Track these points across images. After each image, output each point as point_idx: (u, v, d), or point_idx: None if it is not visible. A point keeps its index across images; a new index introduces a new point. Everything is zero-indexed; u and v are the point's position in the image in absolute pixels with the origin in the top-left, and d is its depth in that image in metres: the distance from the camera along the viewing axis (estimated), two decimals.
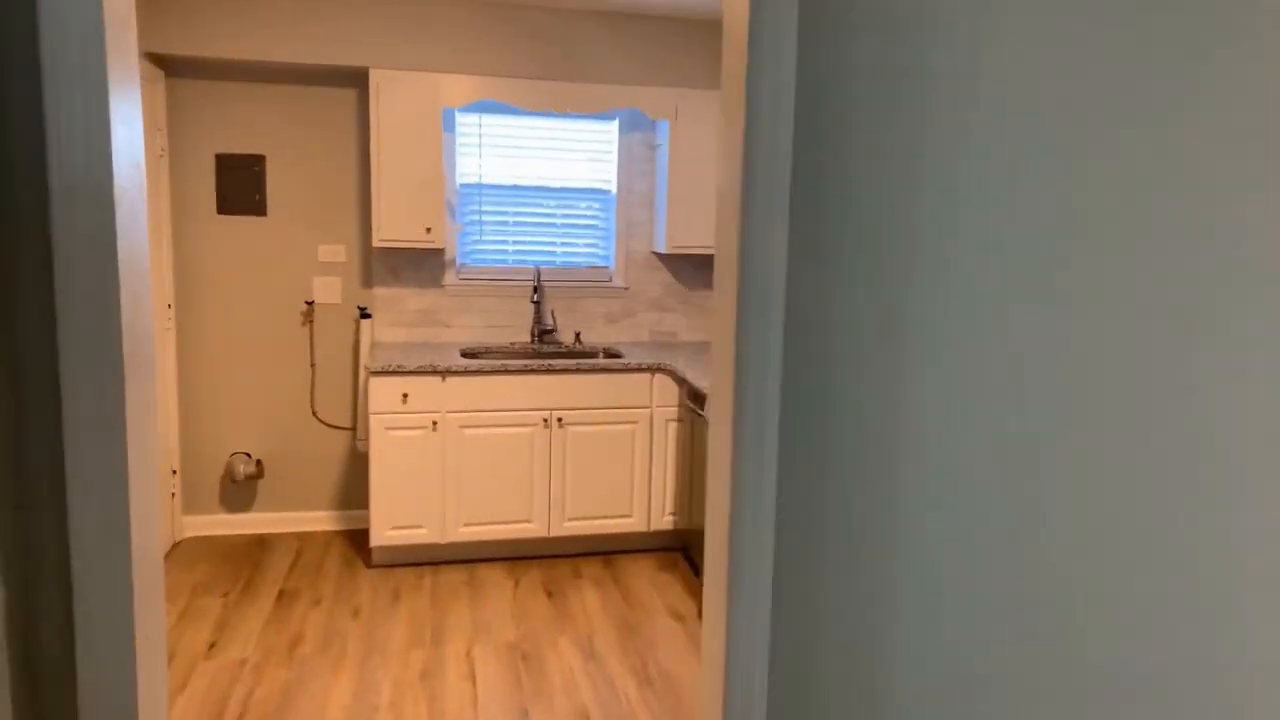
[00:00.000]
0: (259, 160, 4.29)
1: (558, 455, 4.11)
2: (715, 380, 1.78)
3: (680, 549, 4.35)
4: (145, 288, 1.49)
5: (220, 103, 4.22)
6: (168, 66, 4.15)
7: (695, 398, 3.93)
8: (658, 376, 4.16)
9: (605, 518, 4.20)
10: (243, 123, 4.25)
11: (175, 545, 4.28)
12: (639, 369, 4.13)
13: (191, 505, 4.40)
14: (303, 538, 4.43)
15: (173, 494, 4.24)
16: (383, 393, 3.91)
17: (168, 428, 4.18)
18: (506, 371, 4.01)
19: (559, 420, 4.09)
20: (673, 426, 4.20)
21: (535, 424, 4.07)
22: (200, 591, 3.76)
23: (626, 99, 4.33)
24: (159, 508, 1.57)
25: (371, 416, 3.91)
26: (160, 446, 3.83)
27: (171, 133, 4.19)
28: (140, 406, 1.46)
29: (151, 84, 3.98)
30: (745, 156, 1.61)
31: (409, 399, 3.94)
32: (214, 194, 4.27)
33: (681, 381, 4.13)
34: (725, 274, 1.72)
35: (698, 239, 4.46)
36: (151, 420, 1.53)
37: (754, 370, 1.64)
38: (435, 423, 3.97)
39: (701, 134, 4.39)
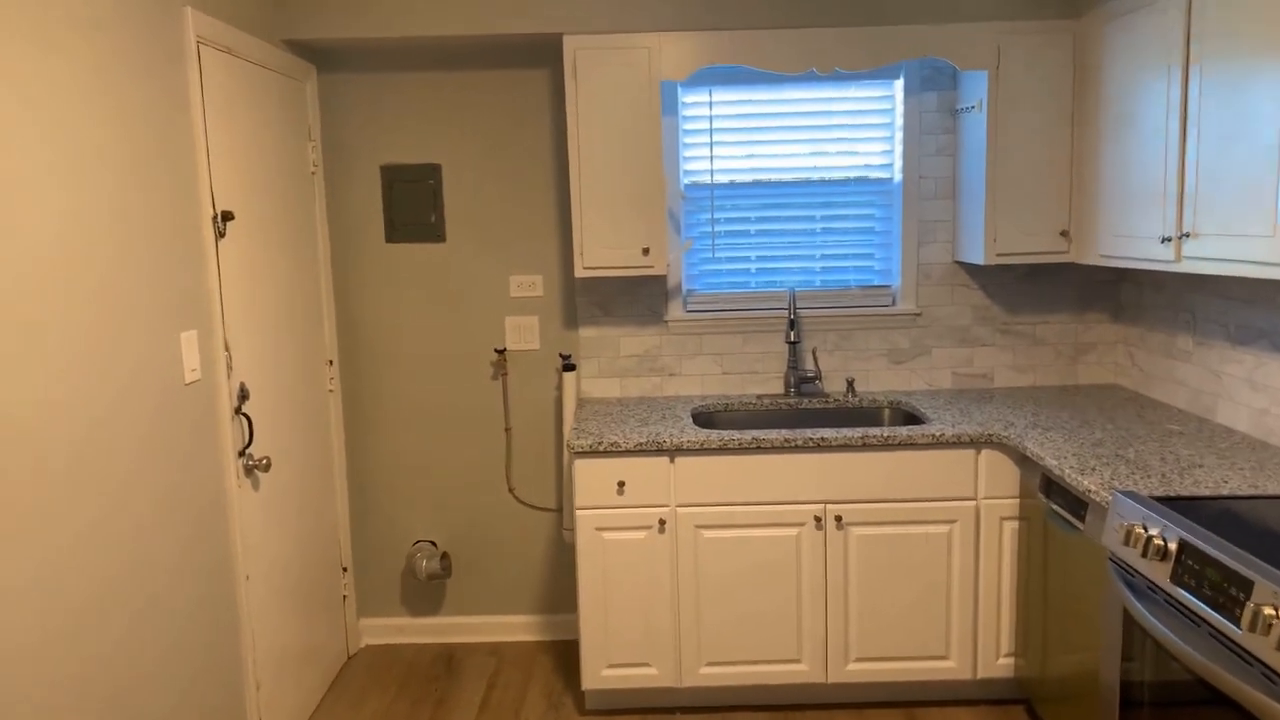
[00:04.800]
0: (434, 171, 3.34)
1: (837, 568, 2.85)
2: None
3: (1022, 702, 2.96)
4: None
5: (383, 100, 3.31)
6: (320, 58, 3.28)
7: (1050, 488, 2.54)
8: (986, 453, 2.79)
9: (909, 659, 2.89)
10: (412, 124, 3.32)
11: (351, 658, 3.43)
12: (957, 443, 2.78)
13: (369, 606, 3.54)
14: (499, 651, 3.45)
15: (344, 596, 3.39)
16: (592, 479, 2.82)
17: (337, 514, 3.33)
18: (759, 449, 2.80)
19: (837, 519, 2.83)
20: (1010, 528, 2.81)
21: (804, 523, 2.83)
22: None
23: (921, 44, 2.98)
24: None
25: (578, 513, 2.84)
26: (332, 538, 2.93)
27: (327, 142, 3.32)
28: None
29: (299, 82, 3.11)
30: None
31: (626, 488, 2.83)
32: (381, 217, 3.37)
33: (1025, 460, 2.74)
34: None
35: (1036, 241, 3.03)
36: None
37: None
38: (663, 520, 2.84)
39: (1040, 87, 2.95)
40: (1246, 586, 1.63)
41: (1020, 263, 3.09)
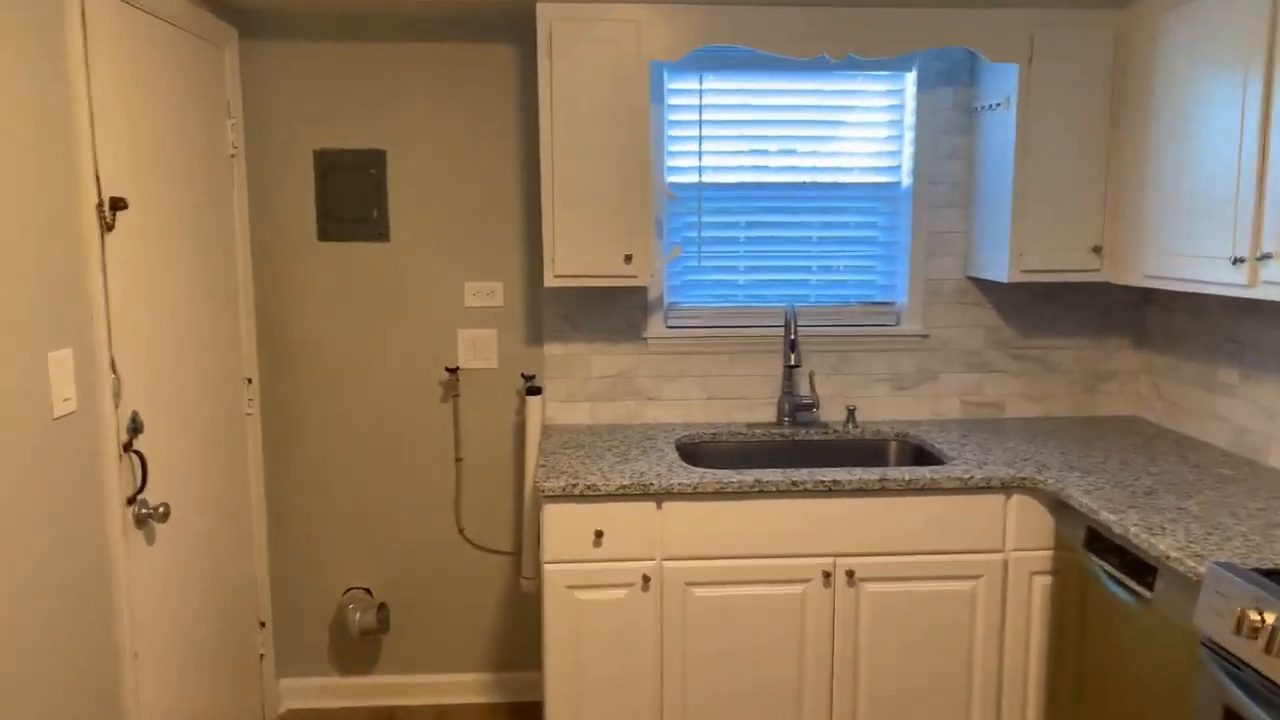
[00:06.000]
0: (378, 158, 2.86)
1: (846, 631, 2.46)
2: None
3: None
4: None
5: (319, 74, 2.82)
6: (243, 20, 2.77)
7: (1096, 542, 2.20)
8: (1016, 498, 2.44)
9: None
10: (353, 103, 2.83)
11: None
12: (985, 487, 2.42)
13: (292, 665, 3.04)
14: (444, 715, 2.98)
15: (261, 655, 2.88)
16: (564, 528, 2.39)
17: (253, 560, 2.82)
18: (762, 493, 2.40)
19: (849, 574, 2.44)
20: (1041, 584, 2.47)
21: (810, 579, 2.44)
22: None
23: (948, 31, 2.62)
24: None
25: (547, 568, 2.39)
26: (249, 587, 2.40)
27: (250, 121, 2.81)
28: None
29: (217, 47, 2.60)
30: None
31: (605, 538, 2.40)
32: (314, 211, 2.88)
33: (1060, 507, 2.40)
34: None
35: (1066, 259, 2.69)
36: None
37: None
38: (647, 577, 2.41)
39: (1077, 84, 2.62)
40: None
41: (1046, 280, 2.75)
